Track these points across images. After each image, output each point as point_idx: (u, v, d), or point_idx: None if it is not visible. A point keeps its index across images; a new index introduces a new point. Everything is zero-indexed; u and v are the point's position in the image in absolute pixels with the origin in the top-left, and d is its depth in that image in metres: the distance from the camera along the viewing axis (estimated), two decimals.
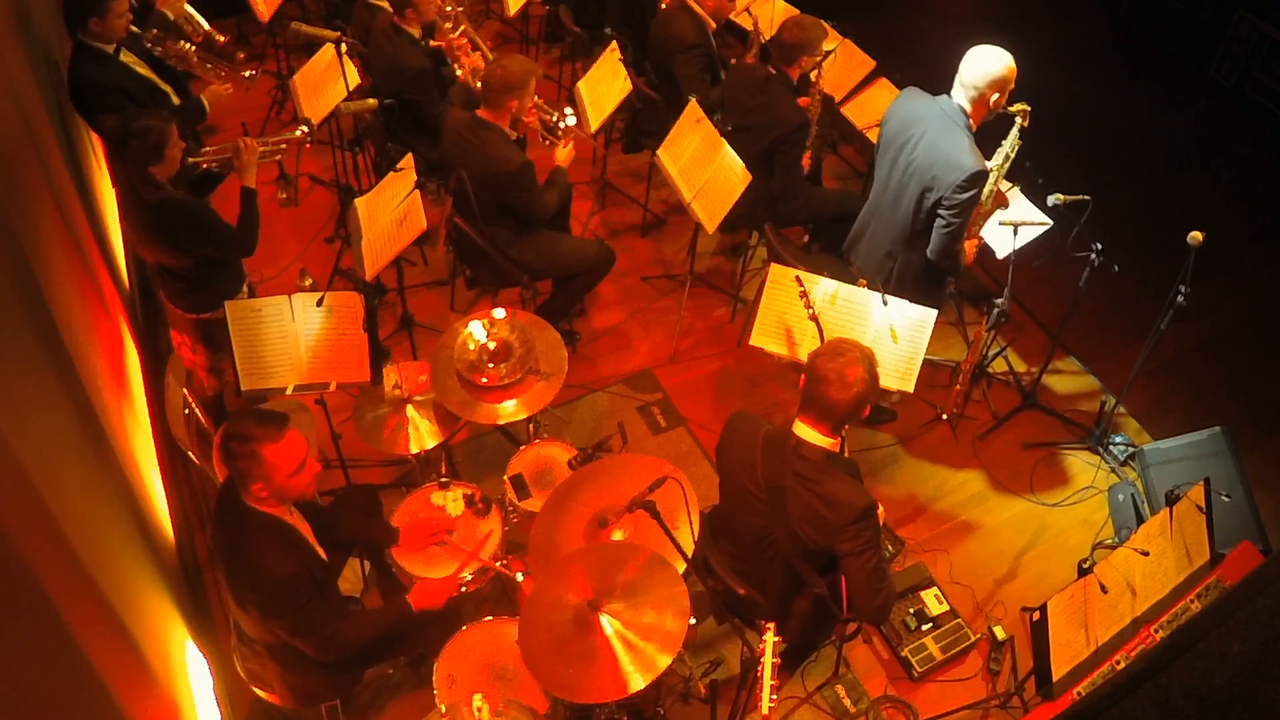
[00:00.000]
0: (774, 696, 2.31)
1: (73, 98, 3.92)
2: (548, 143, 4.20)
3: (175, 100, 4.21)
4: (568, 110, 4.21)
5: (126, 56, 4.00)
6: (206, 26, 4.73)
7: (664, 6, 4.95)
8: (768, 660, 2.33)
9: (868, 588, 2.63)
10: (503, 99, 3.78)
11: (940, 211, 3.45)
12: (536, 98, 3.97)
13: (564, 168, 4.12)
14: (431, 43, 4.64)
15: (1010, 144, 3.63)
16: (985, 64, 3.35)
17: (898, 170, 3.57)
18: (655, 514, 2.47)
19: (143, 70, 4.06)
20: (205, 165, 3.54)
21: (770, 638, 2.35)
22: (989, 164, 3.47)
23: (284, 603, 2.54)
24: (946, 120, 3.41)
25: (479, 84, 4.12)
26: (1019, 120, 3.57)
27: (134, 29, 4.03)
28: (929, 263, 3.64)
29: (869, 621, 2.87)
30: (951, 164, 3.35)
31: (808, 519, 2.63)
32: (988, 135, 3.53)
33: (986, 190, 3.61)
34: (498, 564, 3.02)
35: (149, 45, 4.20)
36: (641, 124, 5.11)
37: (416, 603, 2.79)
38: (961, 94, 3.41)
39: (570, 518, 2.81)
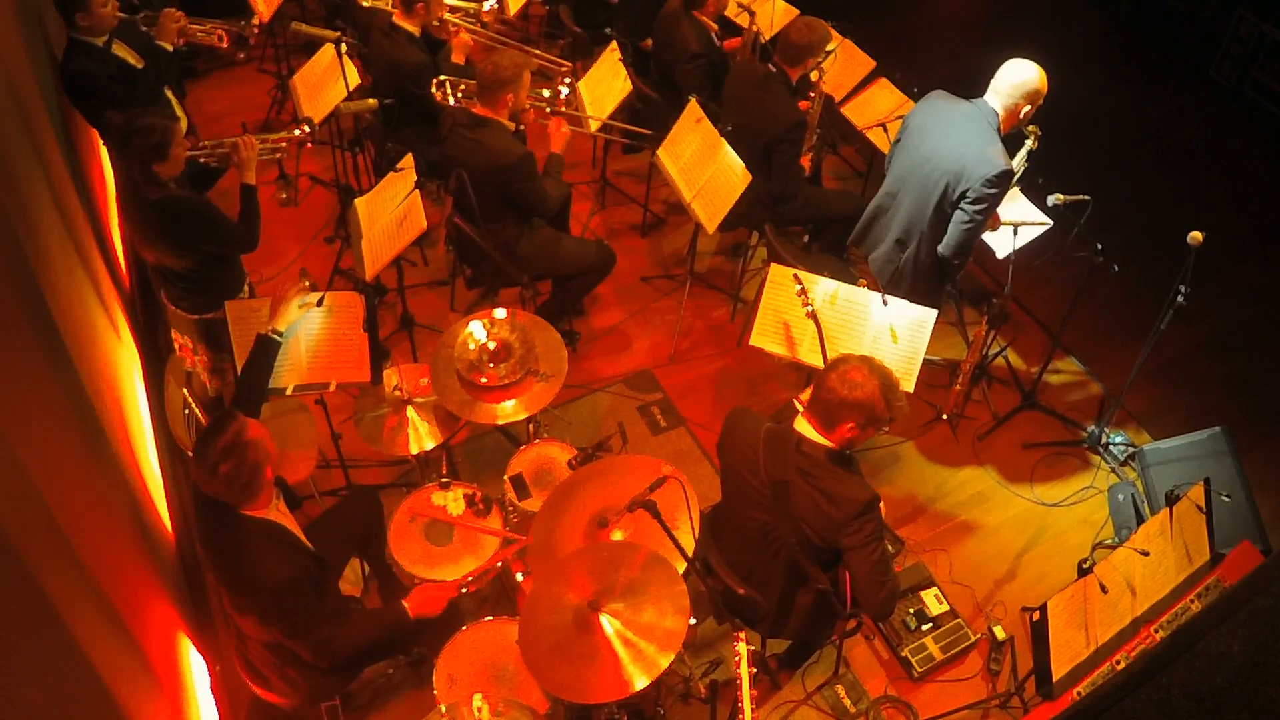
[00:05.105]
0: (754, 708, 2.31)
1: (68, 94, 3.92)
2: (550, 112, 4.21)
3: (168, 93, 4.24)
4: (563, 88, 4.26)
5: (119, 48, 4.00)
6: None
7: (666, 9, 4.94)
8: (744, 672, 2.33)
9: (872, 581, 2.63)
10: (497, 94, 3.78)
11: (964, 206, 3.47)
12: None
13: (559, 154, 4.12)
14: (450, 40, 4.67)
15: (1018, 163, 3.64)
16: (1022, 74, 3.41)
17: (920, 160, 3.58)
18: (656, 514, 2.47)
19: (133, 60, 4.06)
20: (204, 160, 3.55)
21: (744, 648, 2.35)
22: None
23: (281, 607, 2.55)
24: (980, 119, 3.46)
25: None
26: (1030, 142, 3.58)
27: (122, 15, 4.03)
28: (936, 257, 3.65)
29: (874, 616, 2.87)
30: (983, 158, 3.39)
31: (811, 514, 2.63)
32: None
33: None
34: (497, 564, 3.02)
35: (144, 29, 4.21)
36: (641, 124, 5.11)
37: (414, 609, 2.76)
38: (996, 100, 3.46)
39: (570, 518, 2.81)
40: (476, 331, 3.32)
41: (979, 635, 3.54)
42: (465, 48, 4.58)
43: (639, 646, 2.42)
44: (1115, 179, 5.08)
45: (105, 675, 1.93)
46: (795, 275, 3.41)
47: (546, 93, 4.26)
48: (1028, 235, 3.98)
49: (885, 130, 4.61)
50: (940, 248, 3.63)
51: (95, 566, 2.12)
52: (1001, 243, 3.95)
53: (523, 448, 3.42)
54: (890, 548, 3.76)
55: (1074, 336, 4.55)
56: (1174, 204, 5.46)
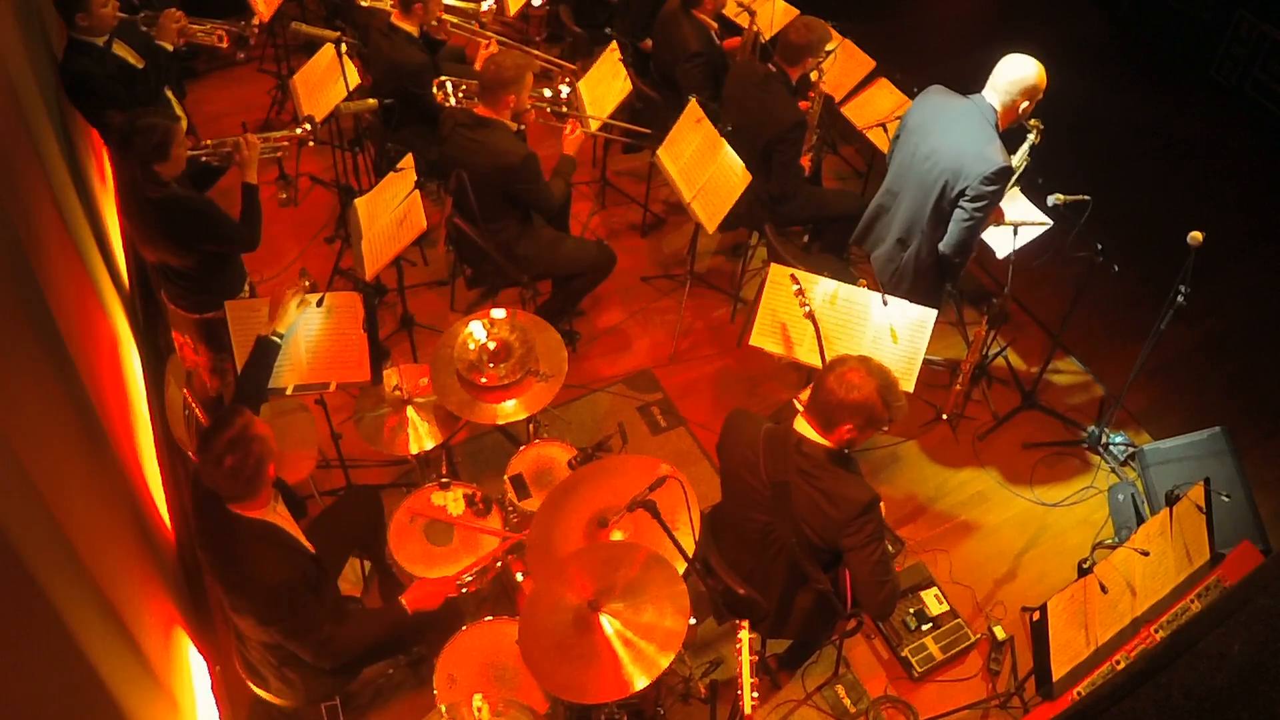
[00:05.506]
0: (755, 695, 2.31)
1: (68, 94, 3.92)
2: (562, 126, 4.22)
3: (168, 93, 4.23)
4: (563, 87, 4.25)
5: (119, 48, 4.00)
6: None
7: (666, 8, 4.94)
8: (745, 659, 2.33)
9: (872, 581, 2.63)
10: (499, 94, 3.79)
11: (963, 203, 3.47)
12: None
13: (571, 155, 4.13)
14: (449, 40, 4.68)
15: (1020, 158, 3.63)
16: (1020, 70, 3.41)
17: (919, 159, 3.58)
18: (655, 514, 2.47)
19: (133, 60, 4.06)
20: (205, 160, 3.55)
21: (745, 635, 2.35)
22: None
23: (278, 608, 2.55)
24: (978, 116, 3.46)
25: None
26: (1031, 137, 3.56)
27: (122, 15, 4.03)
28: (938, 255, 3.65)
29: (874, 616, 2.87)
30: (981, 155, 3.39)
31: (811, 514, 2.63)
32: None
33: None
34: (498, 564, 3.02)
35: (144, 29, 4.21)
36: (641, 124, 5.12)
37: (412, 604, 2.78)
38: (994, 96, 3.46)
39: (570, 518, 2.81)
40: (476, 331, 3.32)
41: (979, 635, 3.54)
42: None
43: (639, 646, 2.42)
44: (1115, 179, 5.08)
45: (105, 675, 1.93)
46: (792, 275, 3.41)
47: (547, 93, 4.27)
48: (1028, 235, 3.98)
49: (885, 130, 4.61)
50: (941, 245, 3.63)
51: (95, 566, 2.12)
52: (1001, 242, 3.95)
53: (523, 448, 3.42)
54: (890, 548, 3.76)
55: (1074, 336, 4.55)
56: (1174, 204, 5.46)
